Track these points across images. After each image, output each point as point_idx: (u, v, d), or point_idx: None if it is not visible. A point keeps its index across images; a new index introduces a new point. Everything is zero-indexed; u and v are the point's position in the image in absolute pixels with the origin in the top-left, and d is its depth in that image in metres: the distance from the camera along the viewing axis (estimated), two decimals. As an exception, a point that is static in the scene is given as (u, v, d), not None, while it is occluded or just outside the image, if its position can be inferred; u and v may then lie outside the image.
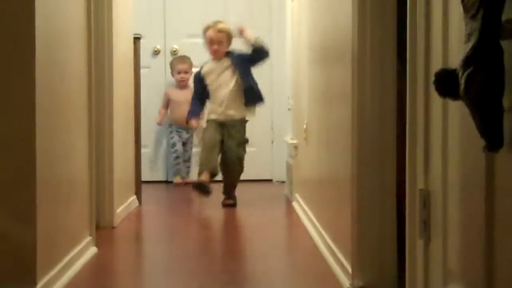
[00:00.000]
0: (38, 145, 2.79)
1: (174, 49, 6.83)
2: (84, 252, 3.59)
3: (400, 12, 2.77)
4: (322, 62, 3.98)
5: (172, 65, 6.69)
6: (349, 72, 3.01)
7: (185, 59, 6.67)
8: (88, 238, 3.71)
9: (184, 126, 6.39)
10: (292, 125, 5.75)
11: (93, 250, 3.74)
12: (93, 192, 3.85)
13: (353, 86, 2.94)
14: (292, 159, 5.58)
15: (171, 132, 6.69)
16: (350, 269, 2.97)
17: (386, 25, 2.87)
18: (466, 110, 1.49)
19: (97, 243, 3.85)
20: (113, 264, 3.78)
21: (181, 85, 6.65)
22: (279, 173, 6.65)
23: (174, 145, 6.64)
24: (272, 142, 6.86)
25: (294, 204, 5.31)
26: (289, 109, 5.95)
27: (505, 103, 1.40)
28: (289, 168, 5.82)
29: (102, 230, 4.31)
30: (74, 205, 3.48)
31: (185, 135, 6.67)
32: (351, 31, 2.97)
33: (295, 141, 5.44)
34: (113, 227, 4.54)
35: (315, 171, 4.32)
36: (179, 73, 6.63)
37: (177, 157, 6.61)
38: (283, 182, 6.23)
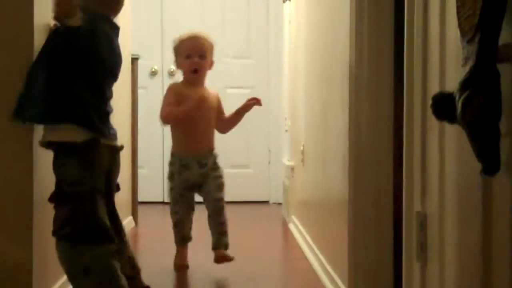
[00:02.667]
0: (36, 166, 2.79)
1: (172, 70, 6.84)
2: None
3: (398, 34, 2.79)
4: (320, 84, 3.99)
5: (178, 46, 3.98)
6: (346, 94, 3.02)
7: (200, 35, 4.01)
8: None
9: (197, 154, 3.90)
10: (289, 146, 5.76)
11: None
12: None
13: (350, 108, 2.95)
14: (289, 180, 5.58)
15: (172, 165, 4.02)
16: (346, 292, 2.97)
17: (384, 48, 2.89)
18: (463, 133, 1.49)
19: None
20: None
21: (193, 79, 3.94)
22: (275, 195, 6.64)
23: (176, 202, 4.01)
24: (269, 163, 6.86)
25: (291, 225, 5.31)
26: (286, 130, 5.96)
27: (502, 127, 1.41)
28: (285, 190, 5.82)
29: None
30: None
31: (196, 171, 3.90)
32: (348, 53, 2.98)
33: (291, 163, 5.44)
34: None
35: (312, 192, 4.32)
36: (188, 57, 3.89)
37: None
38: (280, 203, 6.23)
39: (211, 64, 3.97)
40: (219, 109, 4.02)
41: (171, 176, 3.98)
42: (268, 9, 6.89)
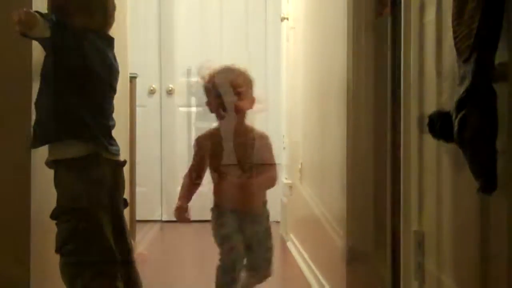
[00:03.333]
0: (33, 185, 2.78)
1: (170, 88, 6.85)
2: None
3: (394, 47, 2.78)
4: (317, 101, 4.00)
5: (208, 83, 3.23)
6: (344, 111, 3.02)
7: (233, 68, 3.27)
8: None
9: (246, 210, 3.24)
10: (286, 164, 5.75)
11: None
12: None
13: (348, 125, 2.95)
14: (287, 198, 5.57)
15: (220, 224, 3.21)
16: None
17: (381, 64, 2.87)
18: (459, 152, 1.49)
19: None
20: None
21: (225, 124, 3.19)
22: (273, 213, 6.60)
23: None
24: (267, 182, 6.84)
25: (289, 244, 5.29)
26: (284, 148, 5.95)
27: (499, 145, 1.41)
28: (283, 208, 5.80)
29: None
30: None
31: (250, 229, 3.22)
32: (346, 71, 2.99)
33: (289, 181, 5.43)
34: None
35: (310, 210, 4.31)
36: (218, 95, 3.14)
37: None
38: (278, 222, 6.21)
39: (252, 102, 3.16)
40: (263, 156, 3.23)
41: (227, 237, 3.17)
42: (266, 28, 6.91)
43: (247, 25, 6.91)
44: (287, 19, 5.70)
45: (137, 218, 5.53)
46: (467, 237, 1.65)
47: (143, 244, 5.46)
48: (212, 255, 4.62)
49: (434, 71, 1.88)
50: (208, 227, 3.40)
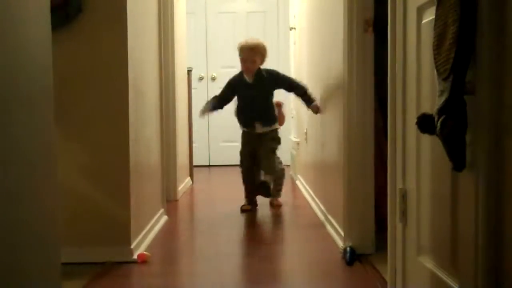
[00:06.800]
0: (130, 145, 2.77)
1: (213, 76, 6.79)
2: (159, 219, 3.57)
3: (379, 44, 2.69)
4: (319, 87, 3.94)
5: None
6: (340, 95, 2.97)
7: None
8: (161, 210, 3.69)
9: None
10: (295, 128, 5.71)
11: (165, 218, 3.72)
12: (164, 175, 3.81)
13: (344, 103, 2.87)
14: (295, 151, 5.55)
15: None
16: (342, 233, 2.92)
17: (367, 64, 2.80)
18: (434, 138, 1.46)
19: (167, 212, 3.82)
20: (178, 227, 3.76)
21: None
22: (284, 159, 6.60)
23: None
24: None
25: (297, 182, 5.29)
26: (292, 117, 5.90)
27: (467, 139, 1.38)
28: (292, 157, 5.79)
29: (170, 202, 4.29)
30: (152, 185, 3.45)
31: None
32: (341, 69, 2.92)
33: (297, 139, 5.40)
34: (176, 200, 4.51)
35: (313, 160, 4.29)
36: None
37: None
38: (289, 165, 6.19)
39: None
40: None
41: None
42: (279, 35, 6.82)
43: (265, 33, 6.81)
44: (294, 28, 5.61)
45: (194, 164, 5.53)
46: (441, 193, 1.62)
47: (199, 183, 5.46)
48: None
49: (415, 78, 1.82)
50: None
